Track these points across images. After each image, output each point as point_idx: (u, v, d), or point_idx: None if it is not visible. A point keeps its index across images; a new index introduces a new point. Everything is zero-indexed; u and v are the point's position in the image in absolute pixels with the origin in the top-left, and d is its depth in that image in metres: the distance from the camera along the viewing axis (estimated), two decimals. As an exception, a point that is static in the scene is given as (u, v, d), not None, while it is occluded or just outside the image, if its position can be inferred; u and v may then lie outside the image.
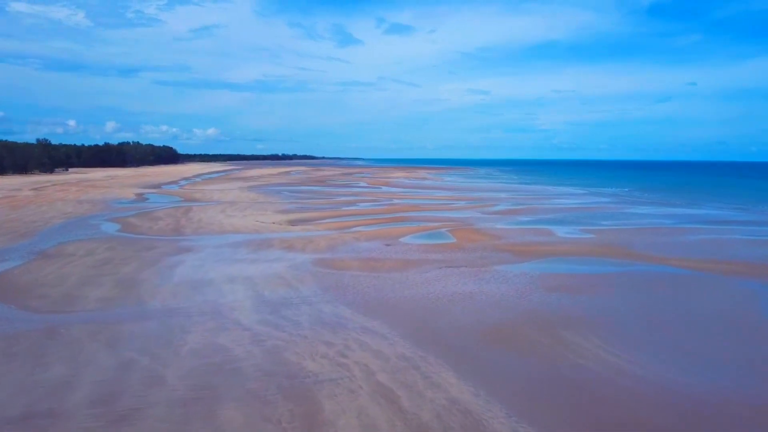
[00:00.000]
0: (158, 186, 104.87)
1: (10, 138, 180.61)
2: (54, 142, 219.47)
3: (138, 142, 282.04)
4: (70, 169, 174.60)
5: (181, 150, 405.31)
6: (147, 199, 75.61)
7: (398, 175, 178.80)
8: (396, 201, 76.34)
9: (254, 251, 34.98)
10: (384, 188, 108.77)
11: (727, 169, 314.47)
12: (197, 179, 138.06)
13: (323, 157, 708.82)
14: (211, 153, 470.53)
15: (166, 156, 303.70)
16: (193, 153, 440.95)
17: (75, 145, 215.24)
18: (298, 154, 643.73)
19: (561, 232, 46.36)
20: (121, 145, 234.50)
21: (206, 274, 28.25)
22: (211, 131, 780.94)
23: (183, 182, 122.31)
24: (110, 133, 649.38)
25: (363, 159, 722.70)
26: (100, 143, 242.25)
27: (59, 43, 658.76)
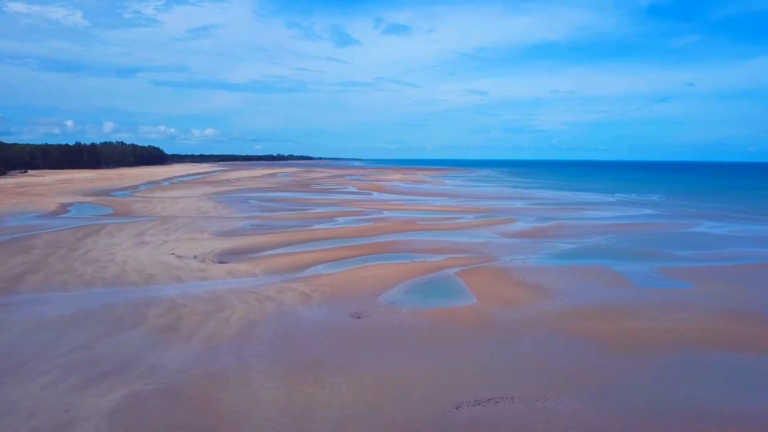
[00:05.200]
0: (107, 192, 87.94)
1: (8, 139, 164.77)
2: (52, 142, 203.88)
3: (122, 142, 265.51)
4: (30, 171, 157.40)
5: (180, 150, 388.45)
6: (67, 212, 58.71)
7: (394, 177, 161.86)
8: (386, 214, 59.50)
9: (87, 344, 18.03)
10: (375, 195, 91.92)
11: (738, 171, 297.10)
12: (165, 183, 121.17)
13: (321, 158, 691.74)
14: (208, 153, 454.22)
15: (149, 157, 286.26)
16: (191, 153, 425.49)
17: (40, 144, 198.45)
18: (296, 154, 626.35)
19: (636, 276, 29.55)
20: (94, 145, 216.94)
21: None
22: (209, 131, 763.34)
23: (143, 187, 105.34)
24: (108, 133, 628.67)
25: (361, 160, 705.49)
26: (97, 143, 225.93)
27: (57, 43, 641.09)
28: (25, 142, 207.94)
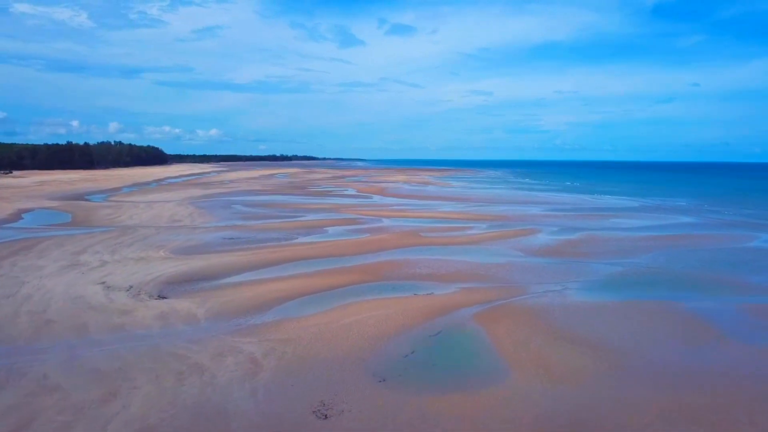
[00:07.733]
0: (82, 196, 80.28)
1: (15, 140, 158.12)
2: (58, 142, 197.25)
3: (120, 142, 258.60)
4: (16, 172, 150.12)
5: (185, 151, 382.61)
6: (19, 219, 51.06)
7: (397, 178, 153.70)
8: (386, 222, 51.53)
9: None
10: (375, 198, 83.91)
11: (748, 172, 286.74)
12: (152, 185, 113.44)
13: (324, 158, 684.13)
14: (212, 154, 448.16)
15: (147, 157, 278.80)
16: (194, 153, 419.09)
17: (29, 144, 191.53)
18: (299, 155, 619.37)
19: (723, 321, 21.46)
20: (87, 145, 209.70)
21: None
22: (213, 132, 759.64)
23: (126, 189, 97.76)
24: (113, 133, 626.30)
25: (364, 160, 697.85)
26: (92, 143, 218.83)
27: (62, 44, 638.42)
28: (31, 143, 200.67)
